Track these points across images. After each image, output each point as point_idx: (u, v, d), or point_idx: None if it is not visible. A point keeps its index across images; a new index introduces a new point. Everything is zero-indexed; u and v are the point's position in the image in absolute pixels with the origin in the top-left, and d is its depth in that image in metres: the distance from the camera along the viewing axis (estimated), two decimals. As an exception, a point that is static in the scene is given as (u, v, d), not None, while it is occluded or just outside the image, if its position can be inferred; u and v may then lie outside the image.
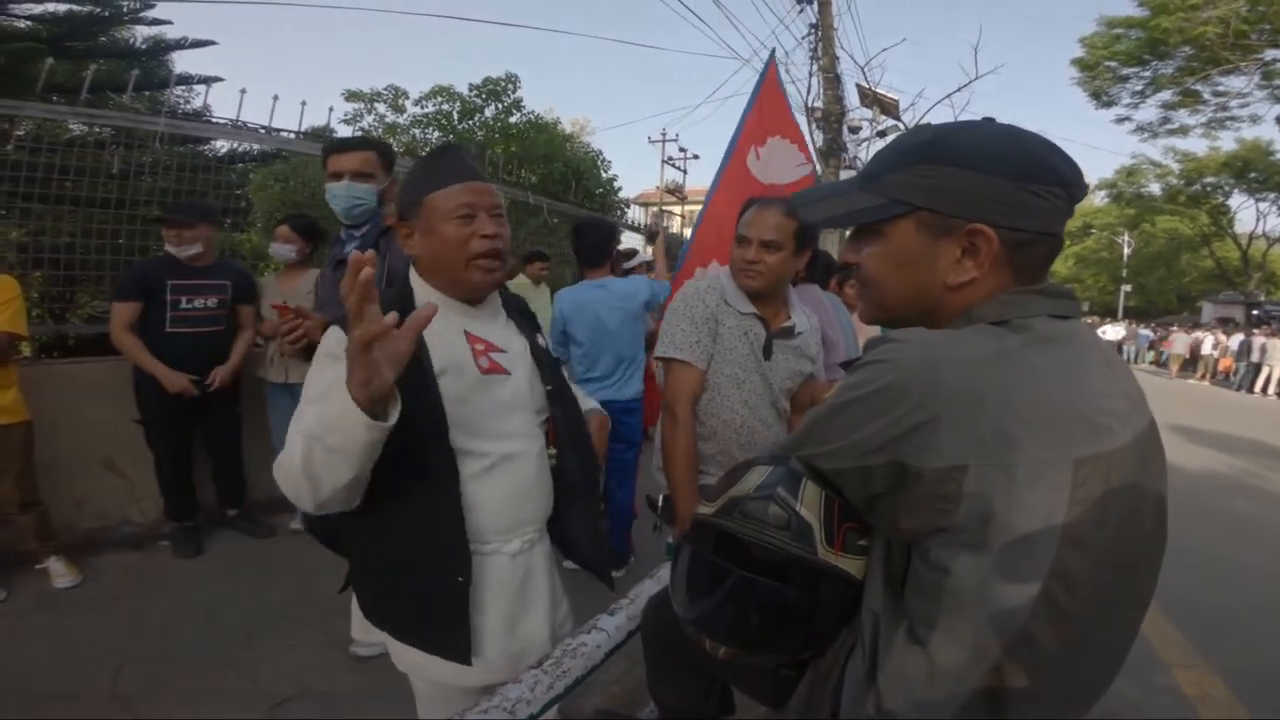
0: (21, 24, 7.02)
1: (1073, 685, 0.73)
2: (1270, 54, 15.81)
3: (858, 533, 0.81)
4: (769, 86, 3.92)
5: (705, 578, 0.87)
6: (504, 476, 1.22)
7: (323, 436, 0.95)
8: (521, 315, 1.39)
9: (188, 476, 3.28)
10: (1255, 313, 21.76)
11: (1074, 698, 0.75)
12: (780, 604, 0.82)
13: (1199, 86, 17.96)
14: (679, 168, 23.47)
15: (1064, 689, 0.72)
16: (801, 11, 10.14)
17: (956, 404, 0.67)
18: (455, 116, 9.33)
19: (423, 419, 1.11)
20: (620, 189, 10.20)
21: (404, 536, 1.15)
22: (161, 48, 7.82)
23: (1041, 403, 0.68)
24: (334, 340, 1.13)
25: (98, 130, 4.41)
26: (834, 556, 0.79)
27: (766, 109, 3.82)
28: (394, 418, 0.94)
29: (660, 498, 1.84)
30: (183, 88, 7.72)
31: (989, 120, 0.82)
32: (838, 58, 9.82)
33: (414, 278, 1.26)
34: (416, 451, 1.11)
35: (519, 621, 1.25)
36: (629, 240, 9.45)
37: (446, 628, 1.16)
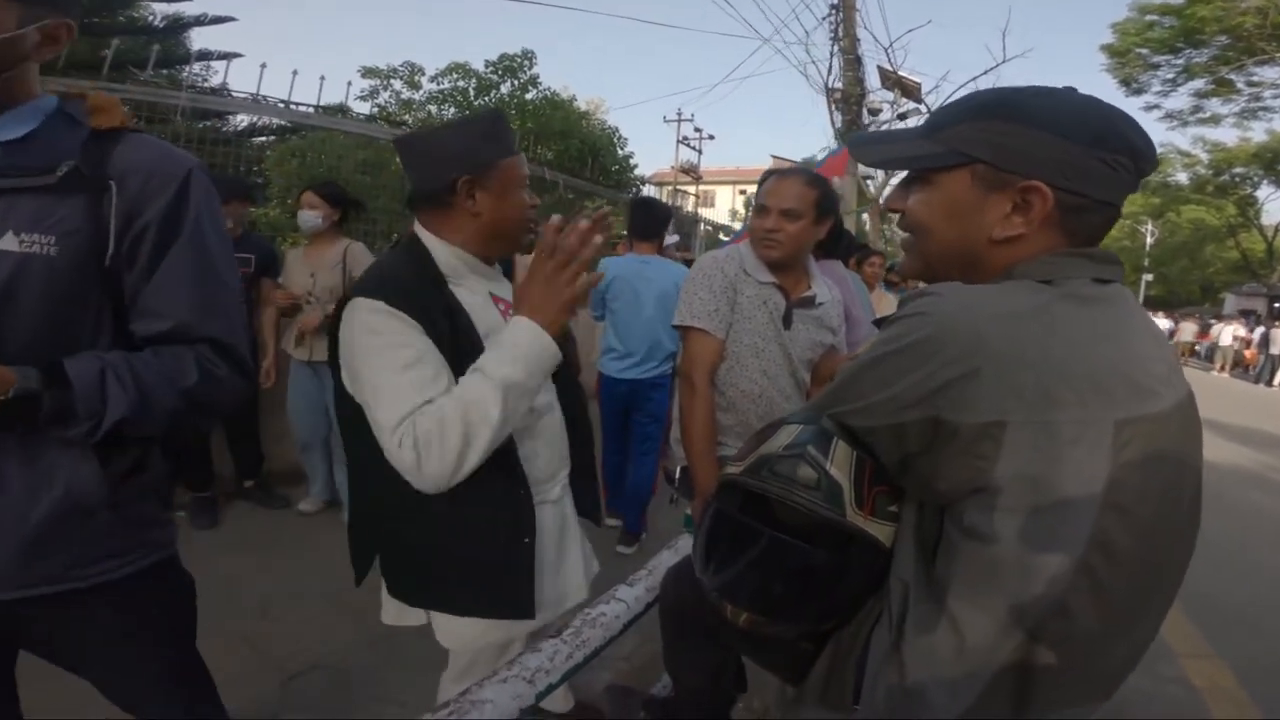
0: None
1: (1101, 665, 0.71)
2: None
3: (888, 497, 0.79)
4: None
5: (731, 540, 0.86)
6: (544, 426, 1.27)
7: (524, 381, 1.05)
8: (509, 278, 1.42)
9: (206, 447, 3.30)
10: (1278, 304, 21.34)
11: (1100, 680, 0.73)
12: (806, 569, 0.80)
13: (1233, 76, 17.65)
14: (694, 147, 23.26)
15: (1091, 669, 0.70)
16: (823, -10, 9.95)
17: (997, 358, 0.65)
18: (471, 93, 9.27)
19: None
20: (636, 166, 10.13)
21: (469, 507, 1.14)
22: (180, 25, 7.84)
23: (1084, 361, 0.66)
24: (384, 308, 1.08)
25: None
26: (863, 520, 0.78)
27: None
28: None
29: (678, 469, 1.83)
30: (202, 64, 7.73)
31: (1070, 89, 0.79)
32: (859, 39, 9.65)
33: (430, 238, 1.21)
34: None
35: (561, 565, 1.31)
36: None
37: (514, 590, 1.18)
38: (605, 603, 1.18)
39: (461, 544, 1.17)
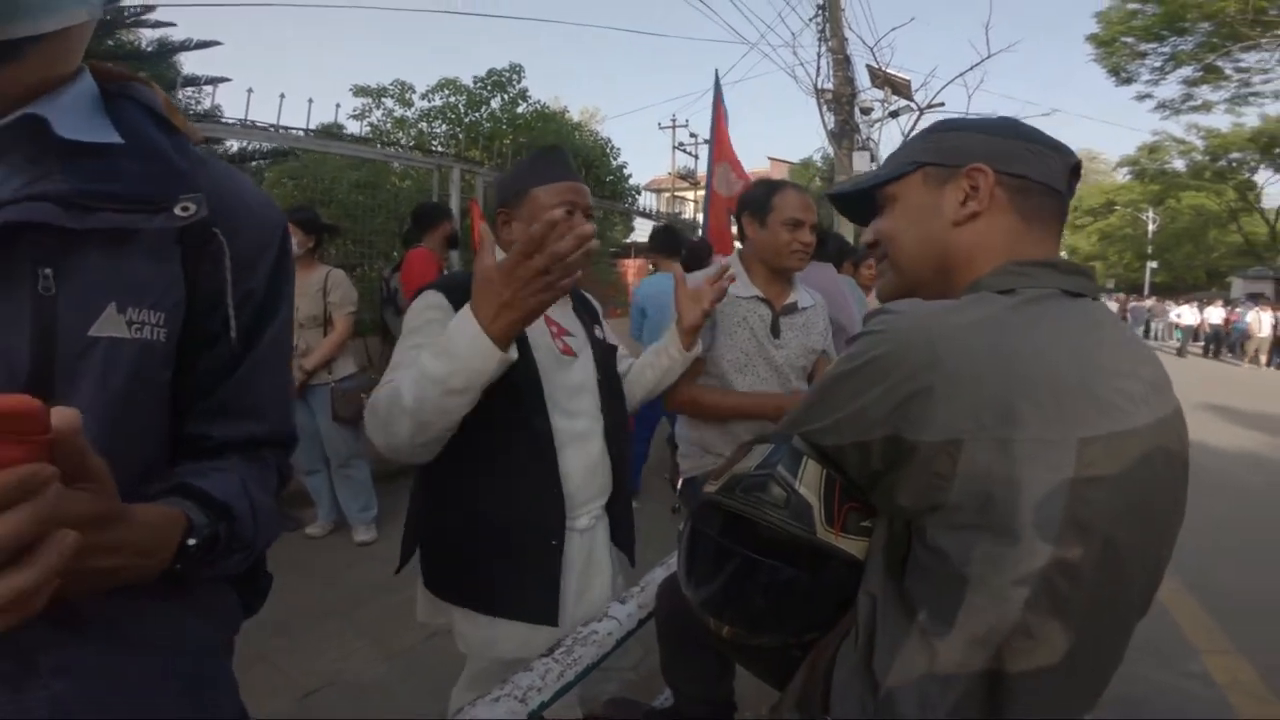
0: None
1: (1070, 685, 0.70)
2: (1291, 30, 15.40)
3: (860, 513, 0.80)
4: (719, 109, 4.99)
5: (710, 558, 0.87)
6: (578, 453, 1.30)
7: (446, 379, 1.00)
8: (583, 305, 1.48)
9: None
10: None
11: (1071, 699, 0.72)
12: (780, 584, 0.81)
13: (1221, 63, 17.59)
14: (691, 153, 23.28)
15: (1061, 690, 0.69)
16: (809, -8, 9.99)
17: (951, 374, 0.65)
18: (462, 109, 9.31)
19: (527, 390, 1.21)
20: (630, 176, 10.14)
21: (501, 506, 1.22)
22: (167, 50, 7.86)
23: (1044, 376, 0.65)
24: (435, 302, 1.21)
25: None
26: (834, 537, 0.78)
27: (720, 132, 4.91)
28: (515, 352, 1.03)
29: (680, 481, 1.86)
30: (191, 89, 7.78)
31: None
32: (846, 39, 9.67)
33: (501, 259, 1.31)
34: (518, 422, 1.21)
35: (584, 596, 1.33)
36: (641, 227, 9.45)
37: (538, 593, 1.24)
38: (598, 620, 1.19)
39: (494, 540, 1.24)
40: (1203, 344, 17.13)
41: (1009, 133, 0.80)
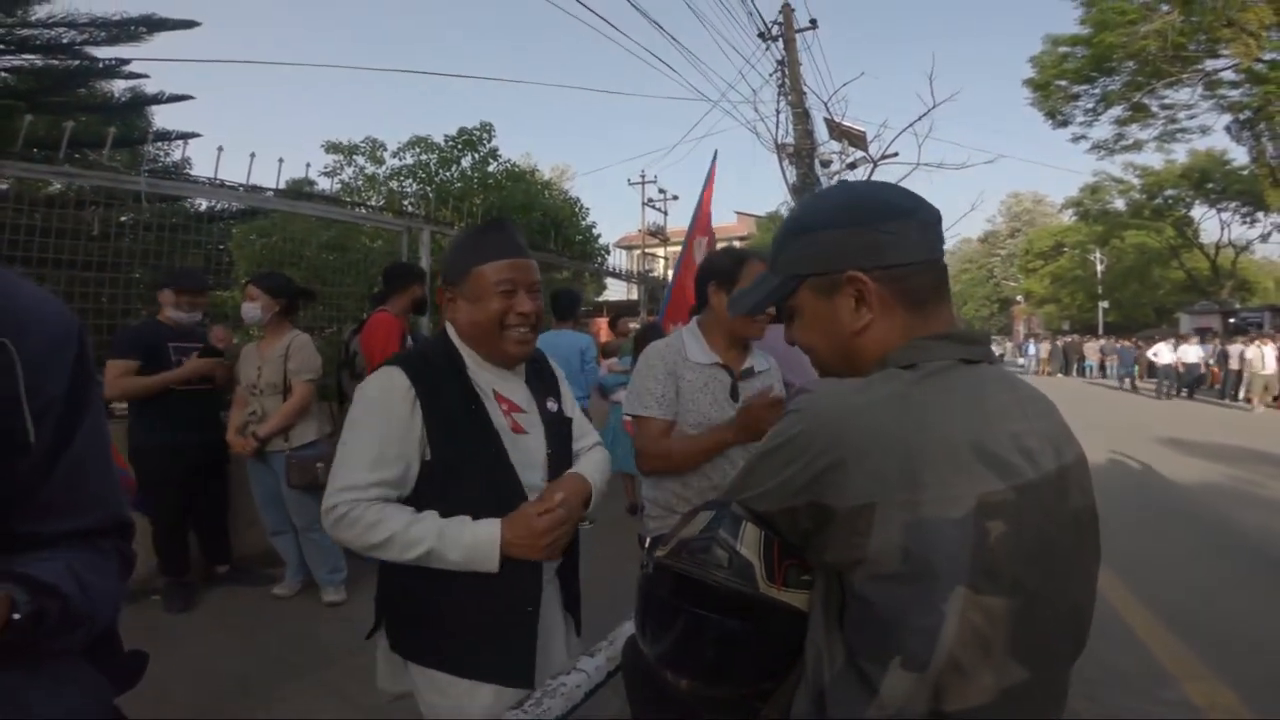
0: (-4, 78, 7.03)
1: (1019, 709, 0.75)
2: (1209, 64, 16.31)
3: (799, 568, 0.86)
4: (710, 182, 5.06)
5: (661, 615, 0.92)
6: None
7: (450, 561, 1.18)
8: (539, 378, 1.47)
9: (184, 534, 3.34)
10: (1232, 321, 21.84)
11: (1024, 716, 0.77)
12: (729, 636, 0.86)
13: (1147, 100, 18.32)
14: (659, 209, 23.82)
15: (1010, 713, 0.74)
16: (767, 49, 10.54)
17: (859, 447, 0.73)
18: (433, 167, 9.39)
19: (495, 462, 1.25)
20: (599, 235, 10.30)
21: (479, 574, 1.22)
22: (140, 101, 7.86)
23: (944, 441, 0.73)
24: (398, 384, 1.22)
25: (78, 185, 4.29)
26: (776, 591, 0.84)
27: (705, 205, 4.94)
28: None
29: (649, 539, 1.87)
30: (162, 143, 7.77)
31: (838, 184, 0.93)
32: (805, 93, 10.15)
33: (455, 338, 1.34)
34: (492, 491, 1.25)
35: (544, 655, 1.35)
36: (613, 285, 9.57)
37: (515, 655, 1.27)
38: (566, 673, 1.21)
39: (470, 603, 1.24)
40: (1171, 382, 16.07)
41: (867, 219, 0.82)
